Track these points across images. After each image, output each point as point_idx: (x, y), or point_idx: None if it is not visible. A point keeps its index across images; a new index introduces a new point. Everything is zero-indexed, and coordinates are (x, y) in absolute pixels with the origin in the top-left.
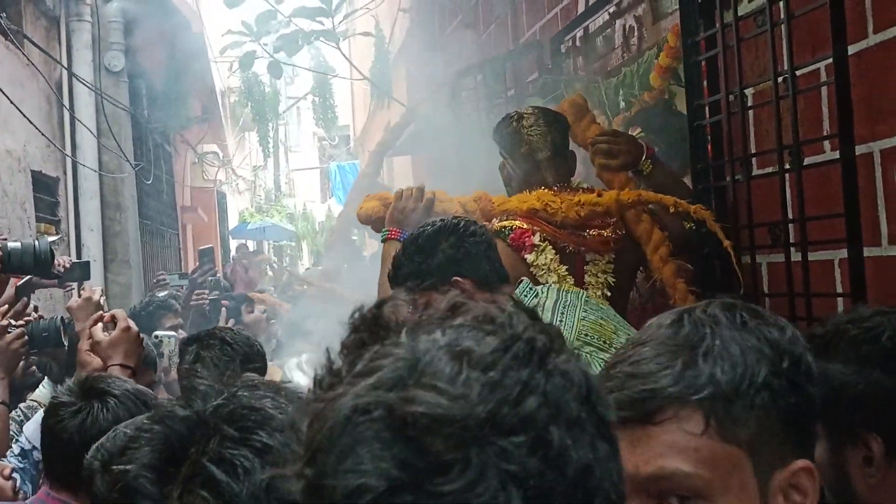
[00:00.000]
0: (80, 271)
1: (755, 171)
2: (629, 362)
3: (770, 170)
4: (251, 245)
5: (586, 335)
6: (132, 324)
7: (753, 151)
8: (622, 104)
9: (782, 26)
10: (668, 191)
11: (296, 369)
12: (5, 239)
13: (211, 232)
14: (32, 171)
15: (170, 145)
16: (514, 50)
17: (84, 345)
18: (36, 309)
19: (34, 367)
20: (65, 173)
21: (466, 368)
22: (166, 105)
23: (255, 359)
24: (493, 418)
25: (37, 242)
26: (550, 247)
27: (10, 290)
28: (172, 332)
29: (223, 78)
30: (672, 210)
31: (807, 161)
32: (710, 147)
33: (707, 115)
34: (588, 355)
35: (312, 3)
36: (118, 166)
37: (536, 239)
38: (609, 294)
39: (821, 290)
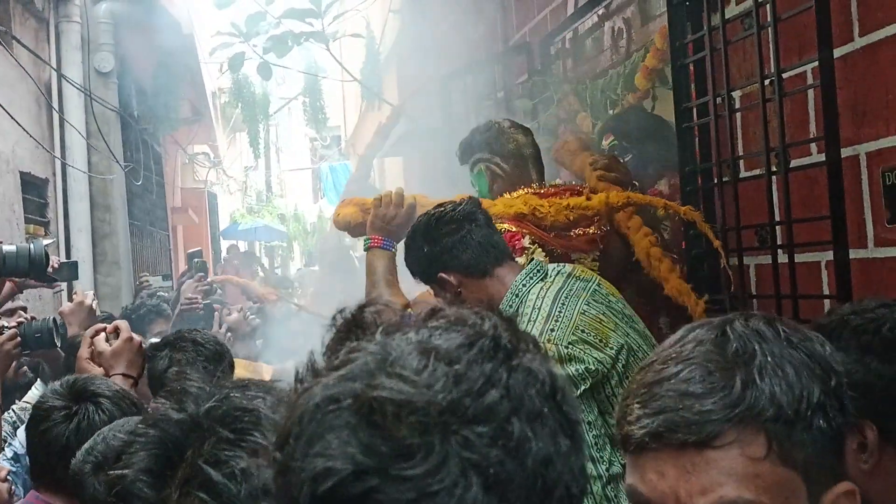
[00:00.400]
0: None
1: (742, 174)
2: (677, 380)
3: (757, 172)
4: (242, 246)
5: (583, 331)
6: (135, 335)
7: (741, 154)
8: (608, 106)
9: (769, 29)
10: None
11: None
12: (0, 242)
13: (202, 233)
14: (21, 173)
15: (160, 146)
16: (503, 51)
17: (84, 353)
18: (25, 310)
19: (25, 368)
20: (54, 175)
21: (433, 361)
22: (156, 106)
23: (224, 356)
24: (456, 408)
25: (32, 245)
26: (539, 249)
27: (6, 292)
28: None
29: (213, 78)
30: (662, 212)
31: (793, 163)
32: (697, 149)
33: (695, 118)
34: (581, 352)
35: (302, 4)
36: (108, 167)
37: (526, 241)
38: None
39: (808, 291)
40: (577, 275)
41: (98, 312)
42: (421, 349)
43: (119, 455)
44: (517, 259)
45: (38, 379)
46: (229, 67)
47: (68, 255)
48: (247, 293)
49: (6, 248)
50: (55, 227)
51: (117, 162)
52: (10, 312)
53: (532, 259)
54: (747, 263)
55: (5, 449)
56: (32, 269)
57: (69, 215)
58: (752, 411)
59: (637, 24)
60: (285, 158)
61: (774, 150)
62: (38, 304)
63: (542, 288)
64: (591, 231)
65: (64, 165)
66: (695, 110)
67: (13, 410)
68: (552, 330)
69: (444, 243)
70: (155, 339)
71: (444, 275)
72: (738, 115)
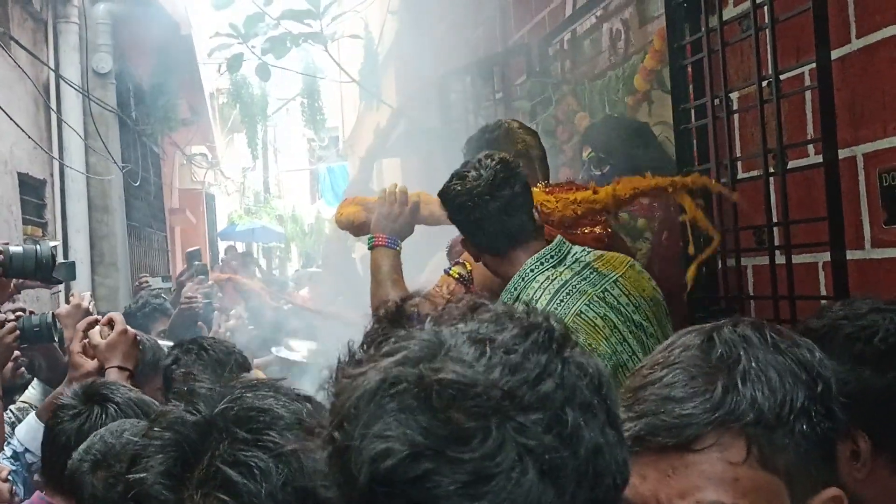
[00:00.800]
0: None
1: (740, 175)
2: (660, 384)
3: (755, 173)
4: (240, 247)
5: (574, 333)
6: (129, 327)
7: (738, 155)
8: (606, 108)
9: (767, 31)
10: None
11: (283, 350)
12: (7, 244)
13: (199, 234)
14: (19, 174)
15: (158, 147)
16: (502, 52)
17: (76, 346)
18: (24, 311)
19: (23, 369)
20: (52, 175)
21: (490, 351)
22: (154, 107)
23: (226, 363)
24: (513, 395)
25: (38, 247)
26: None
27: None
28: (170, 343)
29: (212, 79)
30: (670, 190)
31: (791, 165)
32: (695, 151)
33: (693, 119)
34: None
35: (301, 5)
36: (106, 168)
37: None
38: None
39: (805, 292)
40: (597, 266)
41: (96, 314)
42: (475, 339)
43: (134, 459)
44: None
45: (35, 377)
46: (228, 68)
47: (66, 256)
48: (245, 292)
49: (13, 248)
50: (53, 228)
51: (115, 163)
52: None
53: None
54: (745, 264)
55: (4, 448)
56: (39, 270)
57: (67, 216)
58: (733, 415)
59: (635, 25)
60: (283, 159)
61: (772, 152)
62: (35, 305)
63: (547, 278)
64: (597, 230)
65: (62, 166)
66: (693, 112)
67: (11, 410)
68: None
69: (458, 220)
70: (163, 342)
71: (467, 242)
72: (736, 116)
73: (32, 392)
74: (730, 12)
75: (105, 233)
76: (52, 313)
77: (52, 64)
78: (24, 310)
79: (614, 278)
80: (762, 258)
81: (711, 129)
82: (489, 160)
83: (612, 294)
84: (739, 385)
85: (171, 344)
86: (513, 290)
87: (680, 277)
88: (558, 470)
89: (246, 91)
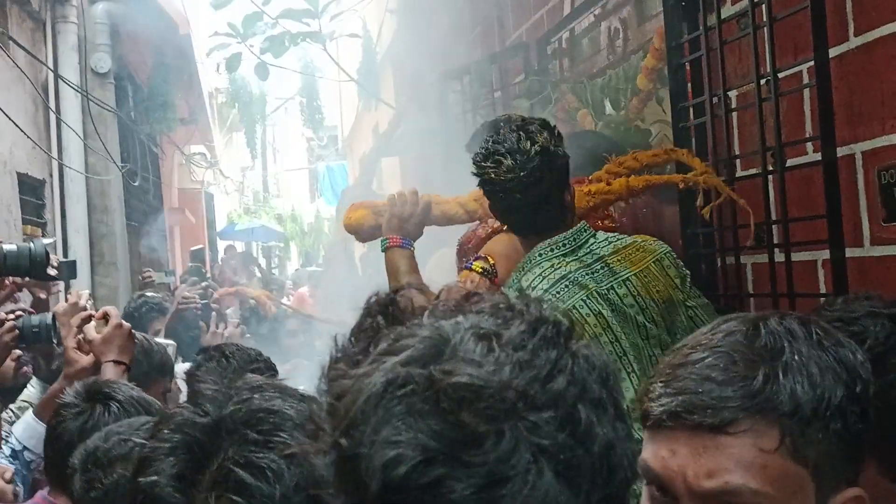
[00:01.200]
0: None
1: (739, 173)
2: (702, 365)
3: (754, 171)
4: (239, 247)
5: None
6: (124, 321)
7: (737, 153)
8: (608, 107)
9: (765, 29)
10: None
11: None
12: (1, 241)
13: (199, 233)
14: (18, 174)
15: (157, 146)
16: (500, 51)
17: (71, 342)
18: (25, 310)
19: (26, 368)
20: (51, 175)
21: (497, 348)
22: (153, 106)
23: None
24: (525, 394)
25: (32, 245)
26: None
27: (6, 291)
28: (171, 341)
29: (210, 78)
30: (682, 185)
31: (789, 163)
32: (694, 149)
33: (691, 117)
34: None
35: (299, 4)
36: (105, 168)
37: None
38: None
39: (804, 290)
40: (611, 261)
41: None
42: (480, 334)
43: (144, 462)
44: None
45: (34, 376)
46: (226, 68)
47: (66, 256)
48: (242, 298)
49: (6, 246)
50: (52, 228)
51: (114, 162)
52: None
53: None
54: (744, 262)
55: (3, 447)
56: (33, 269)
57: (66, 216)
58: (770, 404)
59: (633, 24)
60: (282, 158)
61: (771, 150)
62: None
63: (551, 266)
64: (608, 224)
65: (61, 166)
66: (691, 110)
67: (11, 410)
68: None
69: (486, 195)
70: (163, 340)
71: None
72: (735, 114)
73: (31, 391)
74: (728, 10)
75: (104, 232)
76: (52, 314)
77: (50, 64)
78: (25, 310)
79: (625, 276)
80: (761, 256)
81: (710, 127)
82: (528, 142)
83: (616, 293)
84: (780, 376)
85: (173, 343)
86: (517, 273)
87: None
88: (574, 469)
89: (244, 90)
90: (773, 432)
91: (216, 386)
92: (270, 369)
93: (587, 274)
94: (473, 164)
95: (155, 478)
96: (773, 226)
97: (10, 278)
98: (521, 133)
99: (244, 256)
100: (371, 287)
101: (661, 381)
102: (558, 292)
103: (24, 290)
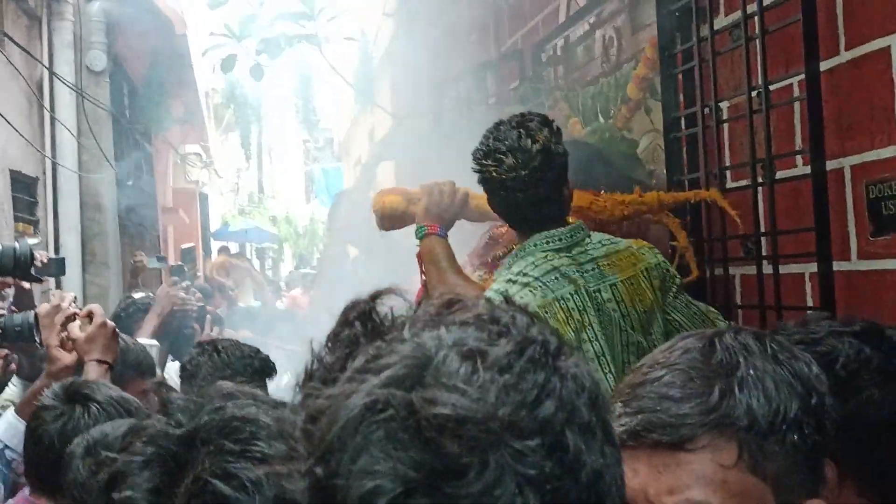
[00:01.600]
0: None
1: (729, 184)
2: (659, 383)
3: (743, 183)
4: (233, 248)
5: (545, 311)
6: (108, 319)
7: (727, 164)
8: (599, 114)
9: (757, 41)
10: None
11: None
12: None
13: (192, 234)
14: (11, 171)
15: (151, 146)
16: (495, 58)
17: (54, 340)
18: (10, 310)
19: (14, 366)
20: (44, 173)
21: (482, 370)
22: (148, 105)
23: (235, 366)
24: (511, 422)
25: (17, 244)
26: None
27: None
28: (154, 342)
29: (206, 78)
30: (694, 199)
31: (779, 175)
32: (685, 159)
33: (683, 128)
34: None
35: (295, 6)
36: (98, 167)
37: None
38: None
39: (792, 302)
40: (602, 264)
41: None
42: (463, 354)
43: (119, 477)
44: None
45: (15, 374)
46: (222, 69)
47: (57, 254)
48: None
49: None
50: (44, 225)
51: (108, 161)
52: None
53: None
54: (732, 273)
55: None
56: (17, 268)
57: (59, 214)
58: (727, 419)
59: (627, 33)
60: (277, 160)
61: (761, 162)
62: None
63: (545, 257)
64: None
65: (54, 164)
66: (683, 120)
67: None
68: (525, 284)
69: (485, 190)
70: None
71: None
72: (726, 125)
73: (13, 389)
74: (721, 22)
75: (97, 231)
76: (34, 313)
77: (45, 61)
78: (8, 308)
79: (613, 282)
80: (750, 267)
81: (701, 138)
82: (529, 140)
83: (601, 295)
84: (736, 391)
85: (156, 343)
86: (511, 259)
87: None
88: (561, 500)
89: (240, 91)
90: (731, 447)
91: (186, 395)
92: (268, 367)
93: (577, 271)
94: (474, 161)
95: (129, 493)
96: (762, 238)
97: None
98: (521, 131)
99: (238, 257)
100: (366, 290)
101: (620, 401)
102: (548, 282)
103: (12, 286)
